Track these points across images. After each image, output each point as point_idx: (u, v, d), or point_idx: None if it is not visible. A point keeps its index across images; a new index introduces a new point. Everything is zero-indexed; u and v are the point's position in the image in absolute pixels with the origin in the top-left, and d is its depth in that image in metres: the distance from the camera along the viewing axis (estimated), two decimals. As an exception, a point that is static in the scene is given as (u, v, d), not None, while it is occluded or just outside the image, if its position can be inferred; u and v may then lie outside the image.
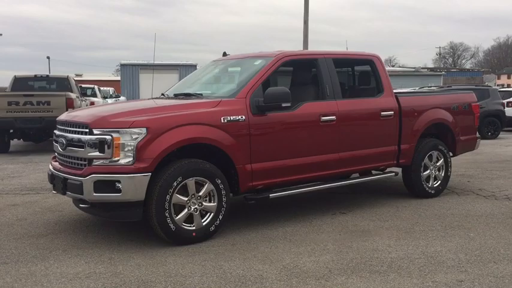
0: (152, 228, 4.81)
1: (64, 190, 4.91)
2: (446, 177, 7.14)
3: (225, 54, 6.83)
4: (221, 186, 4.98)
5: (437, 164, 7.04)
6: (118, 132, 4.59)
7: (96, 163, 4.64)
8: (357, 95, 6.51)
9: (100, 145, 4.59)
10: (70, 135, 4.91)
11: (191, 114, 4.94)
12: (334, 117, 5.78)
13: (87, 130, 4.72)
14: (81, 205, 4.85)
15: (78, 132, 4.82)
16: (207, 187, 4.91)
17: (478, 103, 7.68)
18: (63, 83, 15.29)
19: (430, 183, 6.96)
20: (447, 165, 7.12)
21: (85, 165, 4.72)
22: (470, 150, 7.78)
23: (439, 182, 7.05)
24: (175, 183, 4.69)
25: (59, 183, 4.99)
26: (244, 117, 5.12)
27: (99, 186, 4.58)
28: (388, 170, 6.90)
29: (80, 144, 4.74)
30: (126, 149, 4.57)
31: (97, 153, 4.62)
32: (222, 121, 4.99)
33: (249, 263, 4.31)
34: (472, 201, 6.70)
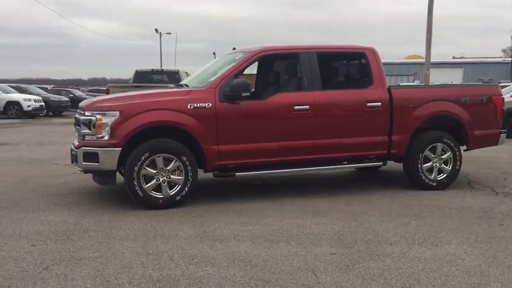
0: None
1: (72, 160, 6.27)
2: (454, 171, 7.03)
3: (234, 49, 7.64)
4: (187, 162, 5.87)
5: (443, 156, 6.98)
6: (100, 114, 5.77)
7: (87, 139, 5.90)
8: (342, 87, 6.83)
9: (88, 124, 5.82)
10: (77, 117, 6.24)
11: (161, 101, 5.94)
12: (307, 106, 6.26)
13: (83, 112, 5.99)
14: (78, 171, 6.16)
15: (80, 114, 6.12)
16: (174, 163, 5.85)
17: (502, 96, 7.33)
18: (174, 76, 17.41)
19: (433, 176, 6.95)
20: (455, 158, 7.00)
21: (82, 140, 6.01)
22: (492, 145, 7.46)
23: (445, 175, 6.99)
24: (142, 158, 5.73)
25: (71, 155, 6.37)
26: (210, 105, 5.93)
27: (86, 156, 5.82)
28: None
29: (79, 123, 6.03)
30: (106, 128, 5.73)
31: (87, 131, 5.86)
32: (189, 107, 5.87)
33: (180, 226, 5.16)
34: (472, 197, 6.58)
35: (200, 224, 5.23)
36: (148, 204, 5.81)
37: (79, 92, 38.84)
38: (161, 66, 56.25)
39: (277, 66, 6.92)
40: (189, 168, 5.88)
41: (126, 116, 5.72)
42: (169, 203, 5.86)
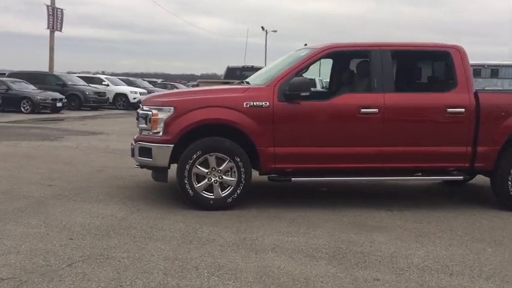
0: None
1: (131, 154, 6.26)
2: (555, 192, 6.01)
3: (305, 45, 7.19)
4: (240, 164, 5.57)
5: (541, 174, 6.00)
6: (156, 109, 5.67)
7: (143, 133, 5.84)
8: (419, 89, 6.11)
9: (145, 119, 5.75)
10: (138, 111, 6.21)
11: (216, 98, 5.70)
12: (376, 110, 5.67)
13: (142, 107, 5.94)
14: (135, 165, 6.13)
15: (140, 108, 6.07)
16: (227, 163, 5.59)
17: None
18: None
19: (527, 196, 6.00)
20: (557, 177, 5.99)
21: (140, 134, 5.96)
22: None
23: (542, 195, 6.01)
24: (194, 156, 5.53)
25: (130, 149, 6.36)
26: (268, 104, 5.58)
27: (142, 151, 5.77)
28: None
29: (138, 117, 5.99)
30: (161, 124, 5.62)
31: (144, 126, 5.80)
32: (245, 106, 5.57)
33: (221, 231, 4.87)
34: None
35: (244, 230, 4.91)
36: (198, 204, 5.61)
37: (183, 86, 40.43)
38: (265, 64, 57.03)
39: (345, 65, 6.39)
40: (242, 169, 5.59)
41: (180, 112, 5.56)
42: (220, 205, 5.60)
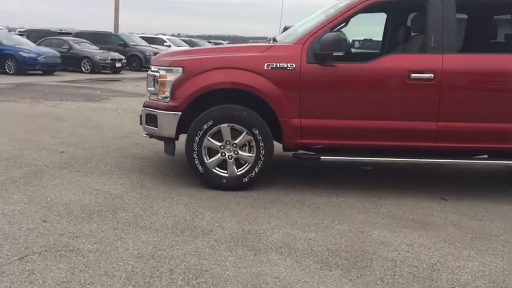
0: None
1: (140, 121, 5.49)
2: None
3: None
4: (259, 137, 4.66)
5: None
6: (164, 70, 4.82)
7: (151, 98, 5.04)
8: (488, 49, 4.82)
9: (153, 81, 4.94)
10: (148, 72, 5.39)
11: (232, 58, 4.75)
12: (431, 75, 4.51)
13: (150, 67, 5.12)
14: (144, 134, 5.36)
15: (150, 69, 5.26)
16: (244, 136, 4.70)
17: None
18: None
19: None
20: None
21: (148, 99, 5.17)
22: None
23: None
24: (205, 126, 4.67)
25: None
26: (294, 66, 4.57)
27: (148, 119, 4.98)
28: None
29: (147, 79, 5.19)
30: (168, 87, 4.79)
31: (152, 89, 5.00)
32: (266, 68, 4.60)
33: (224, 219, 4.03)
34: None
35: (252, 220, 4.04)
36: (209, 182, 4.79)
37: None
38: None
39: (395, 18, 5.18)
40: (261, 144, 4.67)
41: (189, 73, 4.69)
42: (234, 185, 4.75)
